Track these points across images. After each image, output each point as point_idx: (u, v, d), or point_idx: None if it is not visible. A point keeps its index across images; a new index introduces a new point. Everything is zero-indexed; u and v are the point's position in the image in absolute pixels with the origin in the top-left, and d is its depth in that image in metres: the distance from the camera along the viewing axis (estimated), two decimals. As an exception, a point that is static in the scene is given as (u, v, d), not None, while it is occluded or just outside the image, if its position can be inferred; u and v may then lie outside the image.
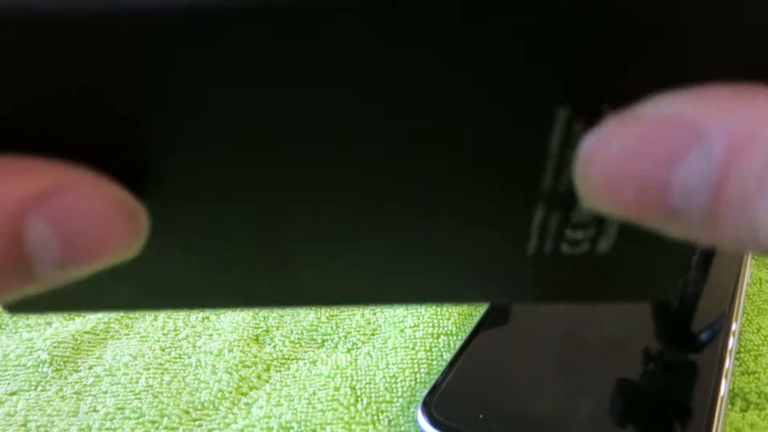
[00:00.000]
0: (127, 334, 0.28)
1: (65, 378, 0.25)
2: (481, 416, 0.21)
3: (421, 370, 0.25)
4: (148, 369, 0.25)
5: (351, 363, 0.25)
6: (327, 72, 0.08)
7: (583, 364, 0.23)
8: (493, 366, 0.23)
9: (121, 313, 0.29)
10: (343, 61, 0.08)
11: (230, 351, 0.26)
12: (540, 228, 0.09)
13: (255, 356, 0.26)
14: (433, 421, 0.21)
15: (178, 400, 0.24)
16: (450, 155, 0.09)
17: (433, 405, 0.21)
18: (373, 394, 0.24)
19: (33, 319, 0.29)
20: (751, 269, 0.30)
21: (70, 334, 0.27)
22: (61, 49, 0.07)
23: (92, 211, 0.08)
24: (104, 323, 0.28)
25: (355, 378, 0.24)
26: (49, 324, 0.28)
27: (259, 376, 0.25)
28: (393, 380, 0.24)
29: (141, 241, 0.09)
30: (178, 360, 0.26)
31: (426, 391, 0.22)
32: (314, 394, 0.24)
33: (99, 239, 0.08)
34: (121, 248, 0.08)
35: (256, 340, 0.27)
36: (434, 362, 0.25)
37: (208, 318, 0.29)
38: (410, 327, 0.27)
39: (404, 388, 0.24)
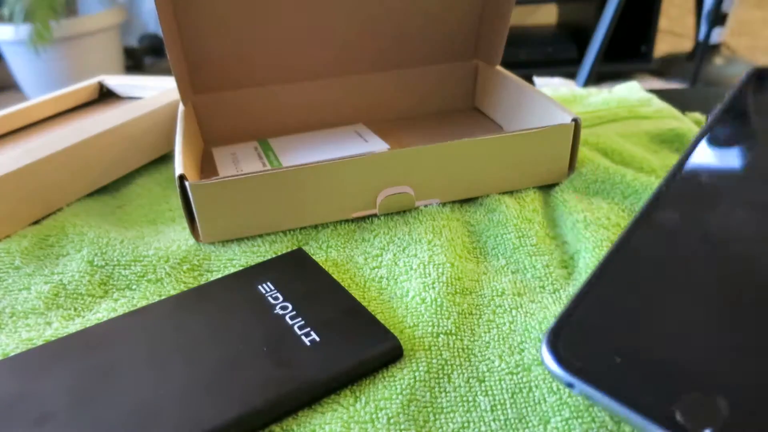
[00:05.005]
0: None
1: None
2: (618, 360, 0.17)
3: (420, 369, 0.25)
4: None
5: (350, 363, 0.25)
6: None
7: (750, 307, 0.17)
8: (637, 298, 0.18)
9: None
10: None
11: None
12: None
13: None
14: (560, 360, 0.17)
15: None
16: None
17: (561, 340, 0.17)
18: (372, 394, 0.24)
19: (33, 318, 0.29)
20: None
21: (69, 334, 0.27)
22: None
23: None
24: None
25: (354, 378, 0.24)
26: (49, 324, 0.28)
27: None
28: (392, 379, 0.24)
29: None
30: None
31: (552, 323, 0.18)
32: (313, 393, 0.24)
33: None
34: None
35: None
36: (433, 361, 0.25)
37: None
38: (409, 327, 0.27)
39: (403, 386, 0.24)
